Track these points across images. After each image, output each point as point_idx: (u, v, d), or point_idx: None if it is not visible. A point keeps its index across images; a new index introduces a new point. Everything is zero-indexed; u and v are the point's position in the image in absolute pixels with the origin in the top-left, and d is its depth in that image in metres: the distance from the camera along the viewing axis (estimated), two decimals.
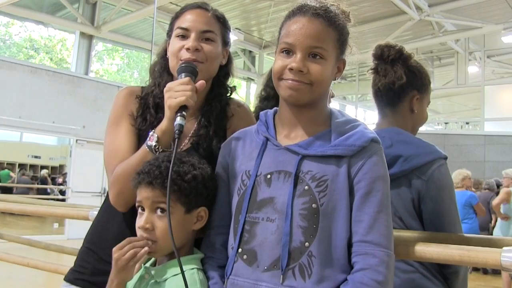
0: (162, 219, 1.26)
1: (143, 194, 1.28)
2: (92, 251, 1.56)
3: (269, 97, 2.13)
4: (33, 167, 17.20)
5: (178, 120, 1.31)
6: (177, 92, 1.34)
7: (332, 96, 2.10)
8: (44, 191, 15.33)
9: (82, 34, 12.42)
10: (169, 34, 1.60)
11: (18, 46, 20.46)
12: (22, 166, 17.02)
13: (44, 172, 16.35)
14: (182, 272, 1.17)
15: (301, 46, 1.21)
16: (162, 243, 1.26)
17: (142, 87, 1.64)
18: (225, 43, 1.61)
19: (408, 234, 1.48)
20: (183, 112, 1.33)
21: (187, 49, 1.48)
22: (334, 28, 1.24)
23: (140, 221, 1.28)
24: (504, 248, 1.20)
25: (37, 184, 16.01)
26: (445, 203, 1.58)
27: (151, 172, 1.27)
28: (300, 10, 1.25)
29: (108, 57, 22.67)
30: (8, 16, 13.31)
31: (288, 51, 1.23)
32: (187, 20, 1.53)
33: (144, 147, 1.38)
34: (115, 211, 1.48)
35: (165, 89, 1.37)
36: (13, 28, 19.69)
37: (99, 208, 1.71)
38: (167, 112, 1.35)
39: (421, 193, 1.57)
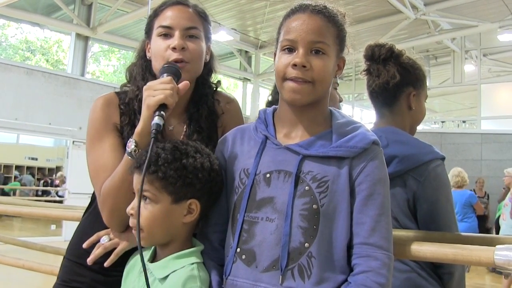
0: (147, 207, 1.23)
1: (134, 181, 1.26)
2: (82, 265, 1.49)
3: (274, 102, 2.12)
4: (30, 168, 17.14)
5: (156, 119, 1.26)
6: (156, 90, 1.29)
7: (341, 101, 2.09)
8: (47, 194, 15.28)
9: (78, 35, 12.38)
10: (148, 34, 1.54)
11: (14, 48, 20.36)
12: (19, 167, 16.98)
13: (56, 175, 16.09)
14: (146, 277, 1.15)
15: (303, 42, 1.21)
16: (147, 232, 1.23)
17: (116, 92, 1.57)
18: (208, 39, 1.56)
19: (403, 233, 1.48)
20: (162, 112, 1.28)
21: (173, 48, 1.43)
22: (334, 25, 1.25)
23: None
24: (497, 246, 1.20)
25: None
26: (441, 204, 1.57)
27: (140, 157, 1.25)
28: (299, 8, 1.26)
29: (104, 58, 22.58)
30: (4, 18, 13.26)
31: (290, 49, 1.23)
32: (169, 17, 1.47)
33: (125, 156, 1.34)
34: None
35: (144, 88, 1.33)
36: (9, 29, 19.60)
37: None
38: (144, 112, 1.30)
39: (416, 194, 1.57)
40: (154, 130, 1.24)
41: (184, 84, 1.37)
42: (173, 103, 1.31)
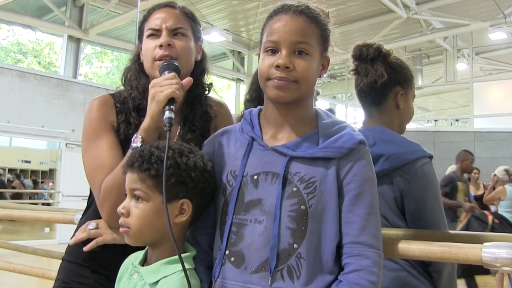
0: (138, 206, 1.21)
1: (126, 180, 1.25)
2: (84, 266, 1.51)
3: (252, 99, 2.13)
4: (23, 171, 17.06)
5: (167, 113, 1.29)
6: (163, 86, 1.32)
7: (318, 94, 2.10)
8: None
9: (70, 37, 12.35)
10: (140, 38, 1.58)
11: (5, 50, 20.26)
12: (12, 171, 16.91)
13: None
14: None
15: (285, 43, 1.20)
16: (135, 231, 1.21)
17: (110, 94, 1.59)
18: (197, 38, 1.60)
19: (392, 232, 1.48)
20: (171, 106, 1.30)
21: (160, 46, 1.47)
22: (317, 25, 1.24)
23: None
24: (485, 244, 1.21)
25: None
26: (428, 202, 1.58)
27: (133, 155, 1.25)
28: (282, 9, 1.25)
29: (97, 60, 22.52)
30: None
31: (273, 50, 1.22)
32: (156, 19, 1.53)
33: (129, 152, 1.34)
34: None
35: (150, 85, 1.36)
36: (0, 32, 19.52)
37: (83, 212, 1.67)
38: (153, 108, 1.32)
39: (404, 192, 1.57)
40: (168, 124, 1.28)
41: (187, 80, 1.41)
42: (180, 97, 1.35)
